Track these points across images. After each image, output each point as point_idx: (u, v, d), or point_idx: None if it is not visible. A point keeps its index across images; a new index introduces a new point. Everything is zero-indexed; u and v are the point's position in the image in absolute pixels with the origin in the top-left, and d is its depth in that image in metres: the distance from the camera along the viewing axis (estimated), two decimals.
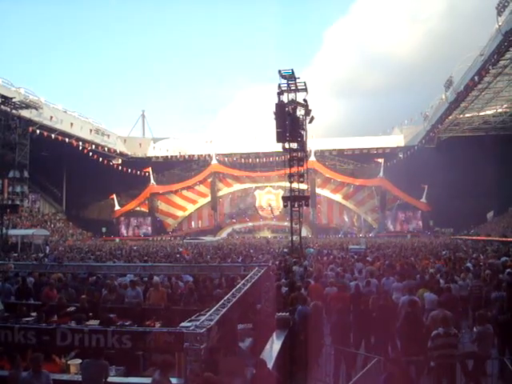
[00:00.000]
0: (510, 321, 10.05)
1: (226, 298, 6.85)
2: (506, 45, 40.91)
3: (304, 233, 57.28)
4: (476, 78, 49.51)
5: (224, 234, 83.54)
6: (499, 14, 38.51)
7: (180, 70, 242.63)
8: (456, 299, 13.03)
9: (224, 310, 6.29)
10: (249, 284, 8.04)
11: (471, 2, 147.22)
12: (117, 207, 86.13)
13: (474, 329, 9.49)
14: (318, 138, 74.36)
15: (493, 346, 10.23)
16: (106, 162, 76.36)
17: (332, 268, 19.05)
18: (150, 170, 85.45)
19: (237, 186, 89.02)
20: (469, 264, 20.49)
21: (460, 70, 54.66)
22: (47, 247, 46.31)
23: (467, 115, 65.64)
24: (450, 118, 65.62)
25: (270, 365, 7.08)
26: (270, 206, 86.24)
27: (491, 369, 9.42)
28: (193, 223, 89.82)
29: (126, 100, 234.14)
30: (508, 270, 17.84)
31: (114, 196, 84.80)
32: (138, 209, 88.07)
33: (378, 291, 12.83)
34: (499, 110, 64.47)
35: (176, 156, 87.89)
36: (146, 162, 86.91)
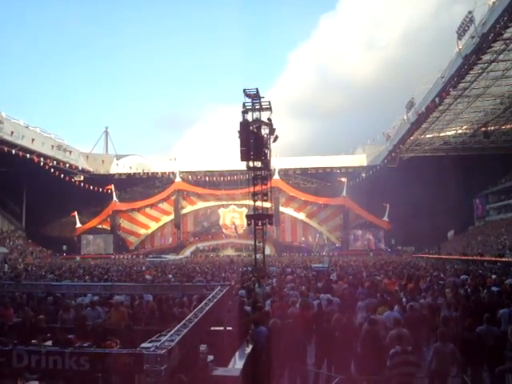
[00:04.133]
0: (475, 339, 10.17)
1: (187, 318, 6.75)
2: (465, 68, 41.99)
3: (267, 251, 57.43)
4: (437, 99, 50.56)
5: (187, 253, 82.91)
6: (459, 37, 39.52)
7: (145, 87, 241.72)
8: (420, 317, 13.16)
9: (186, 331, 6.19)
10: (211, 303, 7.95)
11: (429, 28, 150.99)
12: (78, 225, 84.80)
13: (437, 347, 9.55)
14: (282, 157, 74.90)
15: (455, 363, 10.33)
16: (67, 178, 75.07)
17: (292, 287, 19.05)
18: (112, 187, 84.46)
19: (201, 204, 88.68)
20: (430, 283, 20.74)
21: (421, 91, 55.78)
22: (6, 265, 45.27)
23: (428, 136, 66.96)
24: (412, 138, 66.80)
25: None
26: (233, 224, 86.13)
27: None
28: (155, 241, 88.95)
29: (90, 116, 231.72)
30: (467, 288, 18.17)
31: (76, 213, 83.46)
32: (99, 226, 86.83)
33: (340, 310, 12.85)
34: (459, 131, 65.89)
35: (139, 173, 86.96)
36: (108, 178, 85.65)
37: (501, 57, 39.90)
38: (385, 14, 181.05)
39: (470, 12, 37.19)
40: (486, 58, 40.06)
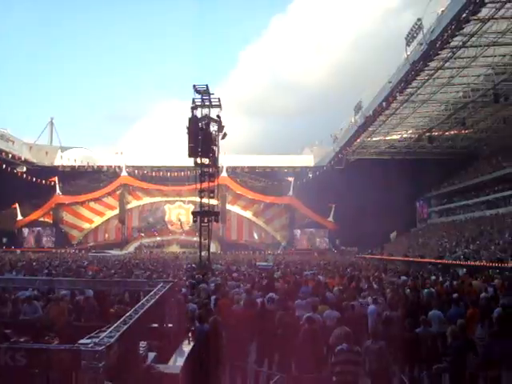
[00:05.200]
0: (413, 338, 10.37)
1: (127, 315, 6.63)
2: (413, 74, 42.88)
3: (213, 248, 57.28)
4: (384, 103, 51.55)
5: (131, 248, 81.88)
6: (408, 44, 40.28)
7: (94, 79, 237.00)
8: (358, 317, 13.35)
9: (125, 327, 6.07)
10: (152, 300, 7.84)
11: (379, 33, 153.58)
12: (19, 217, 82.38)
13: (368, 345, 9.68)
14: (230, 155, 74.76)
15: (394, 362, 10.52)
16: (9, 169, 73.03)
17: (237, 284, 19.05)
18: (56, 179, 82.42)
19: (146, 200, 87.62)
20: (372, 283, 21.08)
21: (369, 95, 56.72)
22: None
23: (374, 139, 68.22)
24: (358, 140, 67.90)
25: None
26: (179, 220, 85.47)
27: None
28: (99, 236, 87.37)
29: (35, 106, 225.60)
30: (407, 289, 18.56)
31: (17, 205, 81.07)
32: (41, 219, 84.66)
33: (283, 308, 12.89)
34: (404, 136, 67.36)
35: (84, 166, 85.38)
36: (52, 170, 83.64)
37: (447, 64, 40.89)
38: (335, 18, 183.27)
39: (419, 19, 37.94)
40: (433, 64, 40.98)
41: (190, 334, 9.83)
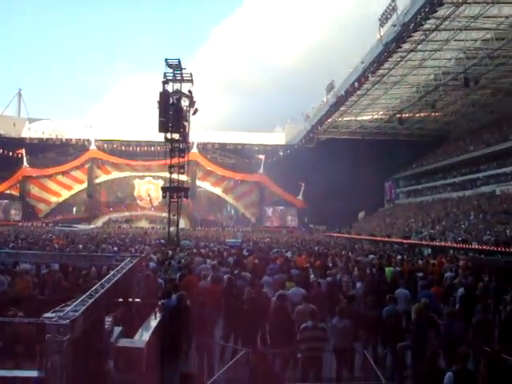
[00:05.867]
0: (376, 316, 10.53)
1: (93, 289, 6.60)
2: (385, 55, 43.08)
3: (182, 224, 57.12)
4: (356, 84, 51.73)
5: (100, 223, 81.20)
6: (381, 25, 40.35)
7: (62, 50, 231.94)
8: (324, 294, 13.51)
9: (91, 301, 6.04)
10: (119, 274, 7.80)
11: (355, 13, 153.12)
12: None
13: (334, 322, 9.82)
14: (201, 131, 74.17)
15: (358, 339, 10.70)
16: None
17: (205, 261, 19.08)
18: (23, 151, 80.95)
19: (116, 174, 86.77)
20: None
21: (342, 75, 56.83)
22: None
23: (346, 119, 68.60)
24: (330, 120, 68.18)
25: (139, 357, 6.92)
26: (149, 195, 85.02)
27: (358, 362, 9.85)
28: (67, 210, 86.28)
29: (2, 77, 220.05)
30: (373, 267, 18.83)
31: None
32: (8, 192, 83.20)
33: (251, 284, 12.97)
34: (375, 117, 67.95)
35: (52, 139, 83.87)
36: (19, 142, 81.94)
37: (419, 47, 41.21)
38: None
39: (393, 0, 38.00)
40: (406, 46, 41.25)
41: (157, 309, 9.84)
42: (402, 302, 12.27)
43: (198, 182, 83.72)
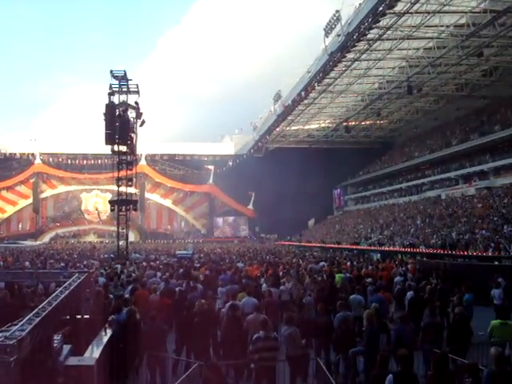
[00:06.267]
0: (327, 323, 10.60)
1: (40, 307, 6.44)
2: (330, 65, 43.72)
3: (132, 238, 56.47)
4: (303, 93, 52.30)
5: (46, 239, 79.21)
6: (326, 35, 40.89)
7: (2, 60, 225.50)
8: (276, 303, 13.55)
9: (38, 320, 5.89)
10: (67, 291, 7.64)
11: (301, 23, 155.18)
12: None
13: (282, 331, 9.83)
14: (149, 142, 73.59)
15: (310, 346, 10.73)
16: None
17: (155, 273, 18.90)
18: None
19: (62, 188, 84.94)
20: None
21: (289, 84, 57.29)
22: None
23: (293, 128, 69.26)
24: (278, 129, 68.70)
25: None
26: (96, 209, 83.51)
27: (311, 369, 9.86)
28: (12, 226, 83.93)
29: None
30: (324, 274, 19.01)
31: None
32: None
33: (202, 296, 12.90)
34: (322, 125, 68.92)
35: None
36: None
37: (364, 56, 41.96)
38: (257, 7, 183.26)
39: (337, 11, 38.59)
40: (350, 56, 41.94)
41: (107, 325, 9.66)
42: (356, 308, 12.43)
43: (147, 195, 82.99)
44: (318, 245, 54.15)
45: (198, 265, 24.76)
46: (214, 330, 10.80)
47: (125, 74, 33.42)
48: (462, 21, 36.01)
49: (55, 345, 7.14)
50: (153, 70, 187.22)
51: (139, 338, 9.60)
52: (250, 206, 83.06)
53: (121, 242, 34.92)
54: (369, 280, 16.48)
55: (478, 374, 6.58)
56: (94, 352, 8.23)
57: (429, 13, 34.29)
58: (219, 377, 7.63)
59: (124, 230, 34.85)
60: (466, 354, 9.75)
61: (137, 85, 34.21)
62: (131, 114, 34.43)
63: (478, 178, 49.35)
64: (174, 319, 11.86)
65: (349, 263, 26.71)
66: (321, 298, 13.13)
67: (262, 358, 8.85)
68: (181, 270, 20.29)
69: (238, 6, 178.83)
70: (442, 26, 36.50)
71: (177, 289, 14.51)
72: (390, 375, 6.74)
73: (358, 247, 45.02)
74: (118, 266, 22.73)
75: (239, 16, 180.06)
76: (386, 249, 40.04)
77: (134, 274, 18.94)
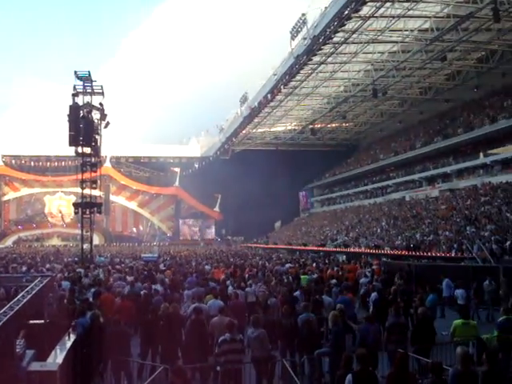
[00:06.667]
0: (292, 325, 10.61)
1: (2, 311, 6.30)
2: (297, 67, 43.89)
3: (96, 241, 55.84)
4: (269, 95, 52.41)
5: (9, 242, 77.50)
6: (292, 38, 41.03)
7: None
8: (242, 305, 13.54)
9: None
10: (29, 296, 7.49)
11: (267, 26, 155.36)
12: None
13: (249, 333, 9.82)
14: (114, 144, 72.77)
15: (276, 348, 10.74)
16: None
17: (120, 277, 18.70)
18: None
19: (25, 191, 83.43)
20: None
21: (255, 87, 57.36)
22: None
23: (260, 130, 69.35)
24: (244, 131, 68.63)
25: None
26: (60, 212, 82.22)
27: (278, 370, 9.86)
28: None
29: None
30: (290, 276, 19.06)
31: None
32: None
33: (167, 299, 12.80)
34: (289, 127, 69.21)
35: None
36: None
37: (329, 59, 42.19)
38: (223, 8, 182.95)
39: (303, 14, 38.78)
40: (316, 59, 42.14)
41: (70, 330, 9.51)
42: (326, 309, 12.52)
43: (112, 197, 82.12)
44: (285, 247, 54.32)
45: (164, 268, 24.61)
46: (179, 333, 10.73)
47: (89, 74, 33.04)
48: (426, 25, 36.63)
49: (18, 350, 6.99)
50: (118, 72, 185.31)
51: (103, 342, 9.48)
52: (217, 209, 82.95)
53: (85, 246, 34.49)
54: (333, 281, 16.60)
55: (442, 373, 6.66)
56: (57, 357, 8.07)
57: (393, 17, 34.66)
58: (185, 381, 7.56)
59: (88, 233, 34.42)
60: (430, 353, 9.91)
61: (101, 86, 33.89)
62: (95, 115, 34.09)
63: (441, 180, 50.14)
64: (138, 323, 11.74)
65: (314, 265, 26.89)
66: (286, 299, 13.17)
67: (228, 360, 8.83)
68: (146, 273, 20.17)
69: (205, 7, 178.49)
70: (407, 30, 36.96)
71: (142, 292, 14.41)
72: (350, 375, 6.79)
73: (324, 249, 45.25)
74: (82, 270, 22.44)
75: (205, 17, 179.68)
76: (352, 250, 40.33)
77: (99, 278, 18.73)
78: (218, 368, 9.26)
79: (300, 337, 10.34)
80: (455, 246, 29.80)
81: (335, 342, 9.64)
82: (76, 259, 33.74)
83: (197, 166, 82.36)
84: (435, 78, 48.36)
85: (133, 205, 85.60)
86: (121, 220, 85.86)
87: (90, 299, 12.94)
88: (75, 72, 33.01)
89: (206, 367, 9.55)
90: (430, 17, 35.60)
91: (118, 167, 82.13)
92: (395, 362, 7.01)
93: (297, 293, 13.72)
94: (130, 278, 17.63)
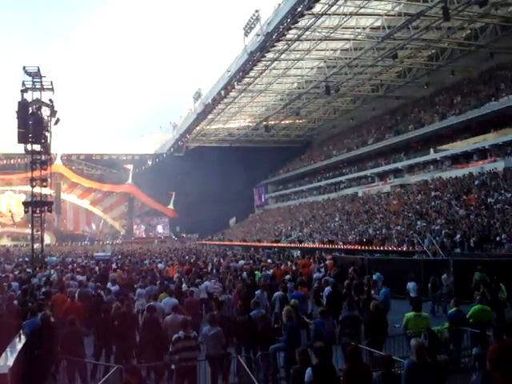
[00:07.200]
0: (247, 321, 10.61)
1: None
2: (250, 64, 43.92)
3: (48, 240, 54.78)
4: (223, 92, 52.29)
5: None
6: (246, 34, 40.96)
7: None
8: (197, 302, 13.49)
9: None
10: None
11: (221, 22, 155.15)
12: None
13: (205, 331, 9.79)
14: (65, 141, 71.24)
15: (231, 345, 10.75)
16: None
17: (72, 276, 18.38)
18: None
19: None
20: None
21: (209, 83, 57.20)
22: None
23: (214, 127, 69.13)
24: (198, 128, 68.31)
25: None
26: (10, 211, 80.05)
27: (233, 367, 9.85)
28: None
29: None
30: (245, 273, 19.07)
31: None
32: None
33: (120, 298, 12.64)
34: (243, 124, 69.19)
35: None
36: None
37: (283, 56, 42.42)
38: (176, 4, 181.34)
39: (256, 11, 38.80)
40: (270, 56, 42.31)
41: (21, 331, 9.31)
42: (279, 305, 12.59)
43: (63, 195, 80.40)
44: (239, 243, 54.39)
45: (115, 267, 24.33)
46: (133, 332, 10.62)
47: (38, 70, 32.34)
48: (378, 23, 37.18)
49: None
50: (68, 68, 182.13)
51: (55, 342, 9.31)
52: (171, 206, 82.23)
53: (36, 245, 33.80)
54: (287, 277, 16.68)
55: (392, 365, 6.77)
56: (7, 359, 7.90)
57: (346, 15, 35.06)
58: (139, 380, 7.49)
59: (39, 233, 33.72)
60: (383, 346, 10.07)
61: (51, 82, 33.20)
62: (45, 111, 33.39)
63: (393, 175, 51.00)
64: (91, 323, 11.55)
65: (269, 260, 27.02)
66: (240, 296, 13.19)
67: (183, 358, 8.79)
68: (98, 272, 19.92)
69: (150, 5, 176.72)
70: (359, 27, 37.37)
71: (94, 292, 14.22)
72: (309, 368, 6.83)
73: (279, 245, 45.52)
74: (31, 271, 22.01)
75: (159, 10, 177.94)
76: (306, 246, 40.71)
77: (51, 278, 18.39)
78: (173, 366, 9.21)
79: (254, 333, 10.35)
80: (407, 240, 30.44)
81: (290, 337, 9.69)
82: (27, 259, 33.04)
83: (150, 163, 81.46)
84: (387, 76, 49.31)
85: (85, 203, 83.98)
86: (72, 219, 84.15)
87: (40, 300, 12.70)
88: (24, 67, 32.27)
89: (160, 366, 9.47)
90: (381, 15, 36.16)
91: (69, 165, 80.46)
92: (347, 356, 7.09)
93: (257, 292, 13.65)
94: (81, 278, 17.39)
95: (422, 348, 6.80)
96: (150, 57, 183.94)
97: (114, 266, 25.22)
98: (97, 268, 23.81)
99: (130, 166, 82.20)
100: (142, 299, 13.85)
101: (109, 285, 15.56)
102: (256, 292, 13.56)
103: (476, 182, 34.83)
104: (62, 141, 63.14)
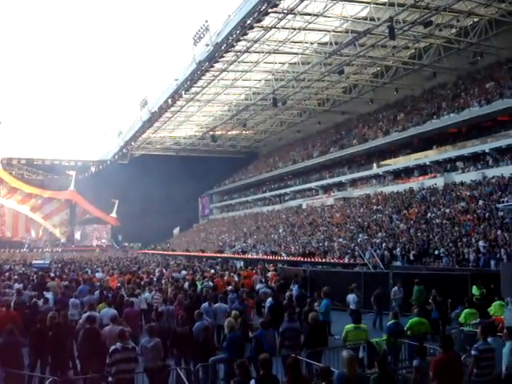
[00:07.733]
0: (187, 332, 10.49)
1: None
2: (198, 73, 43.83)
3: None
4: (170, 100, 51.95)
5: None
6: (195, 44, 40.82)
7: None
8: (136, 313, 13.25)
9: None
10: None
11: (170, 31, 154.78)
12: None
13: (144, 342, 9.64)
14: (5, 145, 69.50)
15: (170, 356, 10.60)
16: None
17: (9, 285, 17.79)
18: None
19: None
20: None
21: (155, 91, 56.81)
22: None
23: (160, 135, 68.63)
24: (144, 136, 67.68)
25: None
26: None
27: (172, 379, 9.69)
28: None
29: None
30: (187, 283, 18.92)
31: None
32: None
33: (57, 308, 12.29)
34: (189, 133, 68.87)
35: None
36: None
37: (231, 67, 42.57)
38: (122, 11, 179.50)
39: (206, 21, 38.78)
40: (218, 66, 42.40)
41: None
42: (221, 317, 12.50)
43: (2, 200, 78.17)
44: (183, 253, 53.93)
45: (54, 275, 23.71)
46: (69, 343, 10.33)
47: None
48: (326, 39, 37.81)
49: None
50: (11, 69, 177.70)
51: None
52: (114, 214, 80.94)
53: None
54: (230, 288, 16.61)
55: (330, 377, 6.79)
56: None
57: (295, 29, 35.55)
58: None
59: None
60: (322, 357, 10.11)
61: None
62: None
63: (336, 188, 51.74)
64: (26, 333, 11.16)
65: (212, 271, 26.91)
66: (182, 307, 13.05)
67: (120, 370, 8.57)
68: (35, 281, 19.38)
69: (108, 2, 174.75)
70: (307, 42, 37.93)
71: (31, 301, 13.80)
72: (253, 380, 6.79)
73: (222, 255, 45.34)
74: None
75: (108, 14, 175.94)
76: (249, 257, 40.69)
77: None
78: (110, 378, 8.98)
79: (195, 344, 10.24)
80: (349, 252, 30.86)
81: (231, 348, 9.63)
82: None
83: (93, 169, 79.98)
84: (333, 91, 50.23)
85: (24, 209, 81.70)
86: (11, 225, 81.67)
87: None
88: None
89: (96, 378, 9.22)
90: (329, 31, 36.83)
91: (9, 169, 78.30)
92: (286, 368, 7.09)
93: (205, 304, 13.45)
94: (19, 286, 16.86)
95: (352, 360, 6.87)
96: (97, 61, 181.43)
97: (52, 274, 24.57)
98: (35, 276, 23.15)
99: (72, 172, 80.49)
100: (75, 310, 13.62)
101: (47, 294, 15.14)
102: (203, 305, 13.37)
103: (416, 197, 35.70)
104: (2, 144, 61.57)
